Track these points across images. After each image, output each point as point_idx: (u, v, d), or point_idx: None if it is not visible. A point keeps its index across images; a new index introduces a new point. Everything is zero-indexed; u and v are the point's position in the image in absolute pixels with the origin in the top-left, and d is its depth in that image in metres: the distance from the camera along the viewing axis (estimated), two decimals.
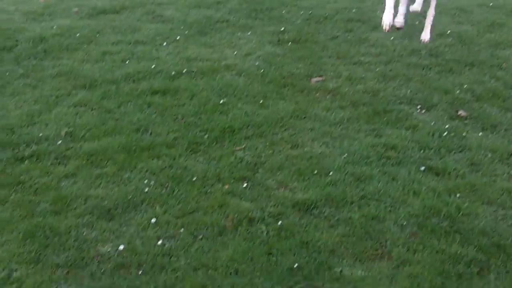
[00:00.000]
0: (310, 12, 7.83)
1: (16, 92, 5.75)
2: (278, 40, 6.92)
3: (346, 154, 4.53)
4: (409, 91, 5.61)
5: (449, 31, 7.12)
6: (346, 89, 5.66)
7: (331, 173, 4.28)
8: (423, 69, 6.13)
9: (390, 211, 3.88)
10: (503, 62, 6.33)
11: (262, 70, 6.08)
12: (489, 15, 7.87)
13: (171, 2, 8.40)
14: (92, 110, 5.33)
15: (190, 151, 4.62)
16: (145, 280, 3.32)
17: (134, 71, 6.08)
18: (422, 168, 4.37)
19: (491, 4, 8.31)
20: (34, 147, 4.70)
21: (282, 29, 7.21)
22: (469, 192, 4.13)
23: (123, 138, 4.77)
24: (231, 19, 7.62)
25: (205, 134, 4.84)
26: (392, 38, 6.87)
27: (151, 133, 4.88)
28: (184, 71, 6.05)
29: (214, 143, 4.73)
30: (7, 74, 6.15)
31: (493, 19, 7.64)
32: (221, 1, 8.37)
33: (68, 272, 3.41)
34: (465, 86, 5.72)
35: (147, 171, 4.36)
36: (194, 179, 4.24)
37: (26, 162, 4.51)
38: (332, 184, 4.15)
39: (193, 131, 4.90)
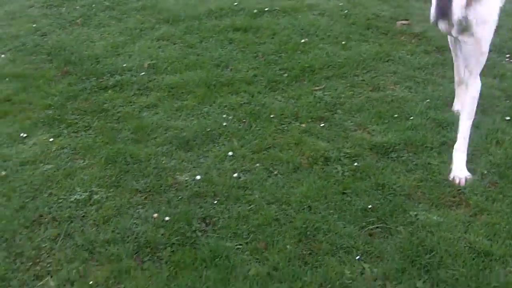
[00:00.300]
0: None
1: (101, 23, 5.86)
2: None
3: (428, 99, 4.41)
4: (498, 39, 5.37)
5: None
6: (433, 34, 5.47)
7: (412, 117, 4.19)
8: None
9: (470, 159, 3.78)
10: None
11: (345, 11, 5.95)
12: None
13: None
14: (174, 44, 5.39)
15: (269, 88, 4.62)
16: (220, 209, 3.38)
17: (216, 7, 6.08)
18: (507, 117, 4.22)
19: None
20: (117, 77, 4.81)
21: None
22: None
23: (204, 73, 4.81)
24: None
25: (284, 73, 4.82)
26: None
27: (231, 69, 4.90)
28: (266, 9, 6.00)
29: (293, 82, 4.70)
30: (93, 6, 6.28)
31: None
32: None
33: (146, 198, 3.51)
34: None
35: (226, 106, 4.39)
36: (272, 116, 4.24)
37: (110, 91, 4.63)
38: (412, 129, 4.07)
39: (273, 69, 4.88)
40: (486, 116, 4.21)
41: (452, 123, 4.10)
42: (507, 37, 5.41)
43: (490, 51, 5.15)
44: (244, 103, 4.43)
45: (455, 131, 3.99)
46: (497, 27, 3.72)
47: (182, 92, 4.58)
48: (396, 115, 4.22)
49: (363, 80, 4.72)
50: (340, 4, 6.12)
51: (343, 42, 5.30)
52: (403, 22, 5.74)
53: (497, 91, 4.52)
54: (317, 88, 4.61)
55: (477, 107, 3.76)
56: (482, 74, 4.77)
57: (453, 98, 4.34)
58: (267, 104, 4.39)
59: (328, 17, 5.82)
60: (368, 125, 4.15)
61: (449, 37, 4.09)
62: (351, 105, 4.37)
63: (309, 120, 4.21)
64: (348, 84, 4.65)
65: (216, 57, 5.07)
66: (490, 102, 4.38)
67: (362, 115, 4.25)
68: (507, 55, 5.10)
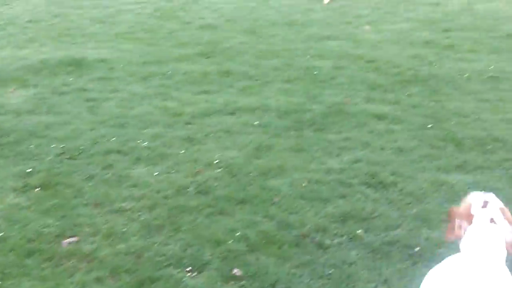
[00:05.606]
0: (62, 145, 6.89)
1: None
2: (24, 186, 5.91)
3: None
4: (177, 246, 4.93)
5: (217, 160, 6.58)
6: (105, 252, 4.82)
7: None
8: (192, 213, 5.49)
9: None
10: (274, 195, 5.87)
11: (1, 234, 5.04)
12: (254, 136, 7.32)
13: None
14: None
15: None
16: None
17: None
18: None
19: (256, 123, 7.77)
20: None
21: (30, 170, 6.22)
22: None
23: None
24: None
25: None
26: (156, 173, 6.22)
27: None
28: None
29: None
30: None
31: (260, 141, 7.13)
32: None
33: None
34: (237, 234, 5.13)
35: None
36: None
37: None
38: None
39: None
40: None
41: None
42: (186, 243, 4.99)
43: (168, 265, 4.71)
44: None
45: None
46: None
47: None
48: None
49: None
50: None
51: None
52: (70, 240, 4.98)
53: None
54: None
55: None
56: None
57: None
58: None
59: None
60: None
61: None
62: None
63: None
64: None
65: None
66: None
67: None
68: (188, 268, 4.65)
